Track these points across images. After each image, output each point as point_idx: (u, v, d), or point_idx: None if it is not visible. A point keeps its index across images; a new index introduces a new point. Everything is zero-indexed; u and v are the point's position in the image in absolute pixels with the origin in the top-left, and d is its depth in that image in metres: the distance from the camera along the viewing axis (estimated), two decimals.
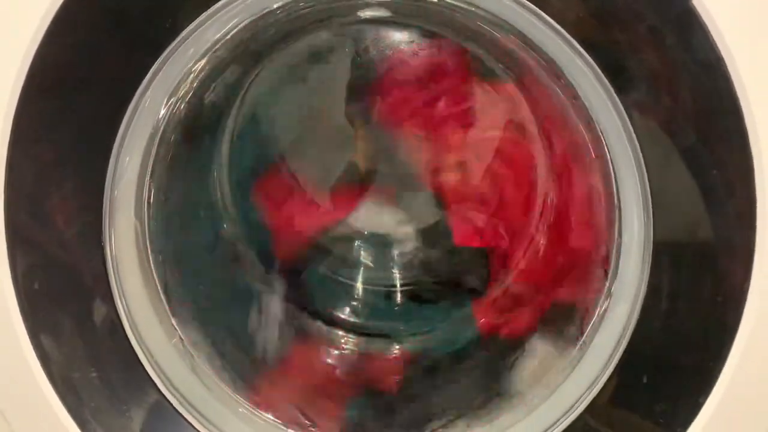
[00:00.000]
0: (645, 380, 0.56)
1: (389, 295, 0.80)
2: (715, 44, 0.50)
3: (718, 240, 0.53)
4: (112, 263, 0.56)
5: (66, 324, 0.56)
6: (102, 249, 0.56)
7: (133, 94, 0.54)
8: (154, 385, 0.59)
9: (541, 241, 0.72)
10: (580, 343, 0.61)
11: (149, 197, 0.60)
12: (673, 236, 0.54)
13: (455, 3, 0.57)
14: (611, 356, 0.57)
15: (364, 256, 0.81)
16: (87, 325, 0.57)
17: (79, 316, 0.57)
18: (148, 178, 0.59)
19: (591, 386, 0.58)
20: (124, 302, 0.57)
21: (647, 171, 0.53)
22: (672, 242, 0.54)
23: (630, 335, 0.56)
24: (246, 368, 0.68)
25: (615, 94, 0.53)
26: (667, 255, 0.54)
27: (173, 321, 0.62)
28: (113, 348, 0.57)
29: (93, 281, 0.56)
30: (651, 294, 0.55)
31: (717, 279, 0.53)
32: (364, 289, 0.80)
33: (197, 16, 0.54)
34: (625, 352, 0.56)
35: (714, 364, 0.53)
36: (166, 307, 0.62)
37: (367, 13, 0.66)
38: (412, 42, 0.71)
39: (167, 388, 0.59)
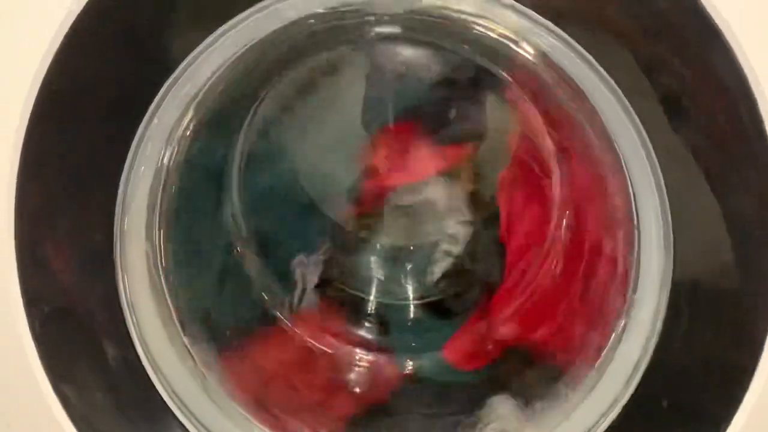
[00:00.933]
0: (663, 405, 0.55)
1: (402, 310, 0.79)
2: (741, 66, 0.49)
3: (737, 261, 0.52)
4: (126, 293, 0.56)
5: (83, 367, 0.56)
6: (114, 282, 0.55)
7: (143, 116, 0.54)
8: (168, 407, 0.58)
9: (557, 262, 0.71)
10: (598, 364, 0.60)
11: (159, 221, 0.59)
12: (693, 253, 0.53)
13: (473, 20, 0.56)
14: (629, 380, 0.56)
15: (377, 271, 0.80)
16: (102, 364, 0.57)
17: (94, 357, 0.57)
18: (158, 200, 0.59)
19: (608, 410, 0.57)
20: (138, 333, 0.57)
21: (668, 192, 0.52)
22: (692, 260, 0.53)
23: (649, 359, 0.55)
24: (257, 387, 0.67)
25: (636, 116, 0.52)
26: (687, 275, 0.53)
27: (185, 341, 0.62)
28: (130, 382, 0.57)
29: (105, 320, 0.56)
30: (670, 319, 0.54)
31: (737, 320, 0.52)
32: (377, 303, 0.79)
33: (208, 35, 0.53)
34: (643, 376, 0.55)
35: (733, 393, 0.52)
36: (179, 330, 0.61)
37: (378, 30, 0.65)
38: (424, 57, 0.70)
39: (180, 409, 0.59)
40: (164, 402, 0.58)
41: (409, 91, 0.72)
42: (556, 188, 0.71)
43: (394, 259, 0.80)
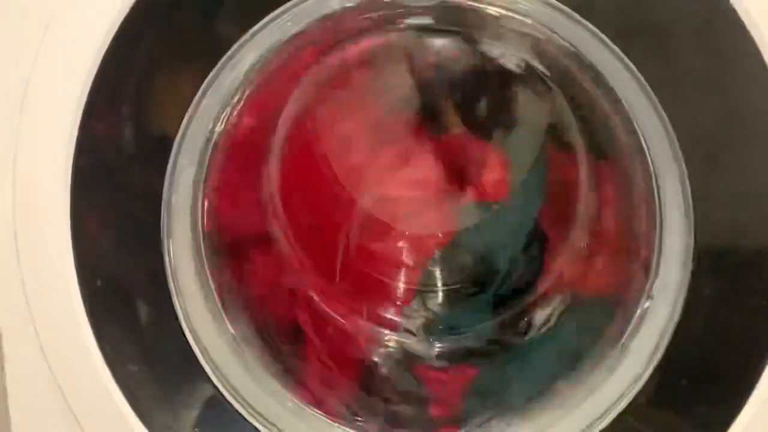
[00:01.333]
0: (685, 382, 0.57)
1: (431, 295, 0.82)
2: (758, 47, 0.50)
3: (760, 242, 0.54)
4: (171, 268, 0.59)
5: (127, 322, 0.59)
6: (161, 256, 0.58)
7: (189, 104, 0.57)
8: (209, 380, 0.61)
9: (584, 242, 0.73)
10: (621, 343, 0.62)
11: (203, 205, 0.62)
12: (715, 241, 0.54)
13: (503, 12, 0.58)
14: (651, 357, 0.58)
15: (406, 257, 0.82)
16: (145, 323, 0.60)
17: (137, 315, 0.60)
18: (202, 185, 0.62)
19: (631, 386, 0.59)
20: (182, 301, 0.60)
21: (689, 176, 0.54)
22: (713, 243, 0.54)
23: (670, 337, 0.57)
24: (295, 365, 0.70)
25: (655, 98, 0.54)
26: (708, 256, 0.54)
27: (226, 318, 0.65)
28: (171, 344, 0.60)
29: (153, 285, 0.59)
30: (692, 297, 0.55)
31: (760, 280, 0.54)
32: (406, 289, 0.81)
33: (251, 27, 0.56)
34: (665, 354, 0.57)
35: (754, 369, 0.54)
36: (219, 306, 0.64)
37: (411, 21, 0.67)
38: (455, 49, 0.72)
39: (221, 383, 0.62)
40: (205, 372, 0.61)
41: (442, 82, 0.74)
42: (583, 172, 0.72)
43: (422, 245, 0.82)
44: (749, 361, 0.54)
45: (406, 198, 0.81)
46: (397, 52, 0.72)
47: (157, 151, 0.57)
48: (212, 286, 0.64)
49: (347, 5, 0.57)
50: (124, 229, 0.59)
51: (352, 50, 0.71)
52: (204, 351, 0.61)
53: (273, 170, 0.75)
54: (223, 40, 0.55)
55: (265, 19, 0.55)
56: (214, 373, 0.62)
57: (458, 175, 0.79)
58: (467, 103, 0.76)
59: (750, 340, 0.54)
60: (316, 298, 0.76)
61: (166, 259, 0.59)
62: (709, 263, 0.55)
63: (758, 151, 0.53)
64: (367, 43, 0.71)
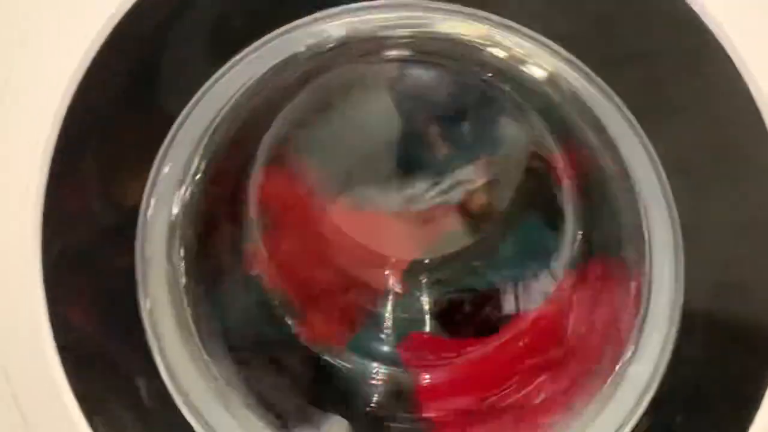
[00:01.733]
0: (679, 420, 0.56)
1: (418, 323, 0.80)
2: (740, 74, 0.49)
3: (753, 274, 0.52)
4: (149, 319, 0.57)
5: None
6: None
7: (162, 140, 0.55)
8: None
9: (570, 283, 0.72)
10: (613, 376, 0.60)
11: (181, 243, 0.60)
12: (704, 270, 0.53)
13: (482, 43, 0.57)
14: (643, 394, 0.57)
15: (393, 284, 0.81)
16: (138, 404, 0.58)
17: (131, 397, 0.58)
18: (180, 221, 0.60)
19: (622, 426, 0.58)
20: (163, 358, 0.58)
21: (677, 209, 0.53)
22: (704, 276, 0.53)
23: (663, 374, 0.55)
24: (282, 404, 0.69)
25: (641, 130, 0.52)
26: (699, 290, 0.53)
27: (207, 359, 0.63)
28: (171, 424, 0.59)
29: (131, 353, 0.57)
30: (683, 332, 0.54)
31: (753, 315, 0.53)
32: (394, 318, 0.80)
33: (225, 63, 0.54)
34: (659, 390, 0.56)
35: (750, 406, 0.52)
36: (201, 349, 0.63)
37: (392, 53, 0.66)
38: (437, 78, 0.71)
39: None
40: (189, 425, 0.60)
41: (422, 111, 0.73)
42: (568, 203, 0.71)
43: (410, 272, 0.81)
44: (744, 397, 0.53)
45: (393, 225, 0.80)
46: (378, 82, 0.71)
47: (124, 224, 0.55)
48: (191, 326, 0.62)
49: (325, 46, 0.55)
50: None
51: (332, 81, 0.69)
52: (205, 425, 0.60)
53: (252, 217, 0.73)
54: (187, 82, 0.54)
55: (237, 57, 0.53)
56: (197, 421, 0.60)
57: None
58: (451, 128, 0.75)
59: (743, 375, 0.53)
60: (300, 335, 0.74)
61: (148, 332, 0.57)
62: (701, 294, 0.54)
63: (747, 185, 0.51)
64: (348, 74, 0.70)
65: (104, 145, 0.54)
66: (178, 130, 0.54)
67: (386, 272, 0.80)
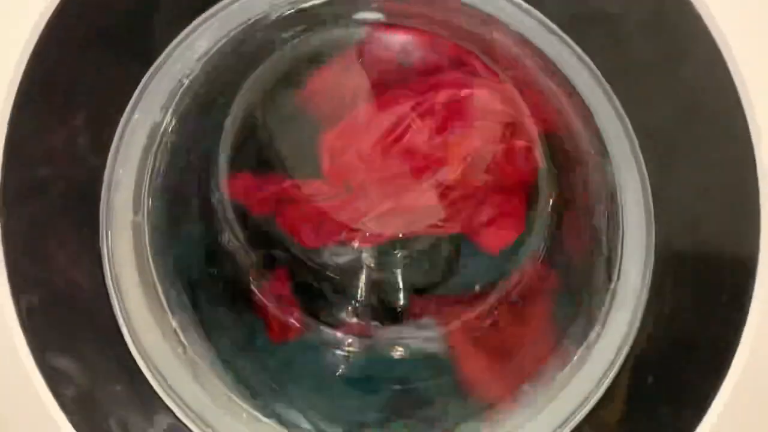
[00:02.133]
0: (650, 381, 0.56)
1: (393, 297, 0.80)
2: (714, 37, 0.49)
3: (720, 238, 0.52)
4: (112, 277, 0.56)
5: (77, 352, 0.57)
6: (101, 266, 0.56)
7: (124, 108, 0.54)
8: (164, 404, 0.59)
9: (543, 244, 0.72)
10: (585, 342, 0.60)
11: (146, 208, 0.60)
12: (674, 234, 0.53)
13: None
14: (615, 358, 0.57)
15: (367, 259, 0.81)
16: (89, 345, 0.57)
17: (89, 344, 0.57)
18: (145, 187, 0.59)
19: (596, 388, 0.58)
20: (126, 315, 0.57)
21: (647, 170, 0.52)
22: (674, 239, 0.53)
23: (634, 337, 0.55)
24: (251, 375, 0.68)
25: (612, 92, 0.52)
26: (669, 253, 0.53)
27: (175, 328, 0.62)
28: (117, 364, 0.58)
29: (94, 298, 0.56)
30: (652, 299, 0.54)
31: (721, 278, 0.53)
32: (368, 292, 0.79)
33: (187, 25, 0.54)
34: (630, 354, 0.56)
35: (718, 370, 0.52)
36: (170, 318, 0.62)
37: (360, 16, 0.65)
38: (407, 43, 0.70)
39: (175, 403, 0.60)
40: (153, 389, 0.59)
41: (394, 77, 0.72)
42: (543, 170, 0.71)
43: (383, 247, 0.80)
44: (712, 362, 0.53)
45: (369, 197, 0.79)
46: (348, 47, 0.70)
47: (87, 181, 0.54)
48: (161, 297, 0.61)
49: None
50: (68, 260, 0.56)
51: (302, 46, 0.68)
52: (155, 370, 0.59)
53: (222, 172, 0.72)
54: (158, 40, 0.53)
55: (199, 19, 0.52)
56: (162, 389, 0.59)
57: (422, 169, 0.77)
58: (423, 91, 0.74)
59: (712, 342, 0.53)
60: (269, 303, 0.74)
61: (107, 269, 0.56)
62: (671, 257, 0.53)
63: (716, 144, 0.51)
64: (318, 37, 0.69)
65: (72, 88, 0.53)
66: (149, 81, 0.54)
67: (358, 245, 0.80)
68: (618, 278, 0.58)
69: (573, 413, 0.58)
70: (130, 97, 0.54)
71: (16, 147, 0.53)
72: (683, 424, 0.54)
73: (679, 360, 0.55)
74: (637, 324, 0.55)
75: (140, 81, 0.54)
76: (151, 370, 0.59)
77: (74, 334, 0.57)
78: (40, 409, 0.56)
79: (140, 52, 0.54)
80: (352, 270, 0.80)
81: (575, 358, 0.61)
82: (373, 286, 0.80)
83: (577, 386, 0.60)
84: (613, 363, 0.57)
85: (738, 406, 0.52)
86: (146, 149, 0.58)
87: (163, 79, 0.56)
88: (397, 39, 0.69)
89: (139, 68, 0.54)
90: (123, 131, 0.55)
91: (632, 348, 0.55)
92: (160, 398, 0.59)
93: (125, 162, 0.56)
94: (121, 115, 0.55)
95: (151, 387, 0.59)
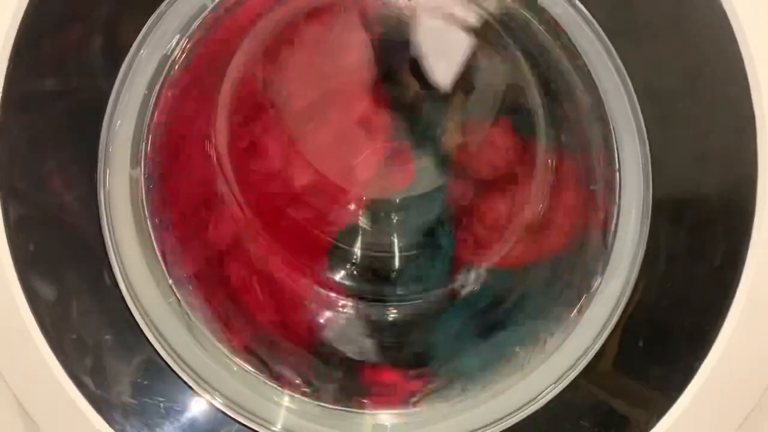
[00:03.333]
0: (642, 344, 0.56)
1: (387, 260, 0.80)
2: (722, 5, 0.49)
3: (717, 202, 0.53)
4: (108, 222, 0.56)
5: (62, 280, 0.56)
6: (98, 209, 0.55)
7: (125, 55, 0.54)
8: (150, 344, 0.59)
9: (541, 204, 0.72)
10: (578, 306, 0.61)
11: (145, 156, 0.59)
12: (671, 196, 0.53)
13: None
14: (608, 320, 0.57)
15: (363, 221, 0.81)
16: (82, 282, 0.57)
17: (74, 272, 0.57)
18: (144, 133, 0.59)
19: (588, 350, 0.58)
20: (119, 261, 0.57)
21: (647, 131, 0.52)
22: (671, 202, 0.53)
23: (627, 299, 0.56)
24: (243, 329, 0.68)
25: (615, 54, 0.52)
26: (665, 215, 0.53)
27: (170, 281, 0.62)
28: (109, 306, 0.57)
29: (89, 240, 0.56)
30: (649, 256, 0.54)
31: (715, 241, 0.53)
32: (363, 254, 0.80)
33: None
34: (623, 316, 0.56)
35: (710, 328, 0.53)
36: (163, 268, 0.62)
37: None
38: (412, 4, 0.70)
39: (163, 347, 0.59)
40: (146, 336, 0.59)
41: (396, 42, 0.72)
42: (542, 136, 0.71)
43: (381, 211, 0.80)
44: (705, 321, 0.53)
45: (362, 161, 0.79)
46: (351, 8, 0.70)
47: (91, 106, 0.54)
48: (155, 246, 0.61)
49: None
50: (60, 190, 0.55)
51: (302, 4, 0.68)
52: (145, 316, 0.59)
53: (220, 129, 0.72)
54: None
55: None
56: (156, 338, 0.59)
57: (416, 135, 0.77)
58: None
59: (706, 300, 0.53)
60: (264, 259, 0.74)
61: (104, 215, 0.56)
62: (666, 221, 0.54)
63: (717, 106, 0.51)
64: None
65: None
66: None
67: (353, 208, 0.80)
68: (613, 242, 0.58)
69: (561, 377, 0.59)
70: (132, 45, 0.54)
71: (14, 98, 0.52)
72: (673, 384, 0.54)
73: (673, 320, 0.55)
74: (630, 286, 0.55)
75: (142, 28, 0.53)
76: (143, 317, 0.59)
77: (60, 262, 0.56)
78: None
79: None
80: (348, 233, 0.80)
81: (568, 321, 0.61)
82: (368, 248, 0.80)
83: (568, 349, 0.60)
84: (605, 325, 0.57)
85: (729, 367, 0.53)
86: (145, 99, 0.58)
87: (165, 28, 0.55)
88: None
89: (142, 14, 0.53)
90: (123, 80, 0.54)
91: (626, 309, 0.56)
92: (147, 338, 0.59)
93: (130, 92, 0.55)
94: (122, 63, 0.54)
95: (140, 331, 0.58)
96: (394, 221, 0.81)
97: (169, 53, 0.57)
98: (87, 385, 0.56)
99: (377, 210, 0.81)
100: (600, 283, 0.59)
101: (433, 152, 0.78)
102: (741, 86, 0.50)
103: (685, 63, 0.51)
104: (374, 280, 0.78)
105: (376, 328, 0.75)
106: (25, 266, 0.54)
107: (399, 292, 0.77)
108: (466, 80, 0.75)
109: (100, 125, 0.54)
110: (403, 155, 0.78)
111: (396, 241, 0.80)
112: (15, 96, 0.52)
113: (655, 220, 0.54)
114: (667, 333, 0.55)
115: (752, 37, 0.49)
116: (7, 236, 0.54)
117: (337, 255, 0.78)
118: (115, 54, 0.53)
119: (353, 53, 0.72)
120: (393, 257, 0.80)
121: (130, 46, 0.53)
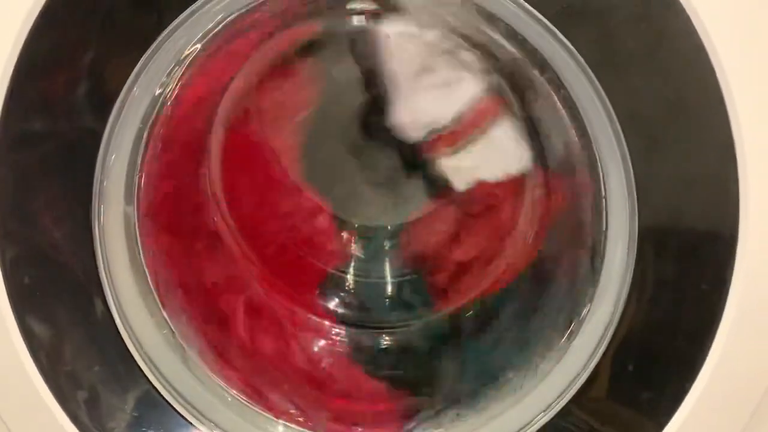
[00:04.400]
0: (631, 369, 0.57)
1: (380, 287, 0.81)
2: (697, 30, 0.51)
3: (701, 228, 0.54)
4: (102, 257, 0.57)
5: (57, 316, 0.57)
6: (92, 244, 0.56)
7: (120, 89, 0.55)
8: (145, 376, 0.59)
9: (529, 230, 0.73)
10: (569, 331, 0.61)
11: (139, 190, 0.60)
12: (657, 224, 0.54)
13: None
14: (598, 345, 0.58)
15: (355, 248, 0.81)
16: (77, 317, 0.57)
17: (69, 308, 0.57)
18: (137, 171, 0.60)
19: (578, 376, 0.59)
20: (114, 295, 0.58)
21: (631, 159, 0.54)
22: (656, 229, 0.54)
23: (616, 324, 0.56)
24: (237, 359, 0.68)
25: (598, 83, 0.53)
26: (651, 243, 0.54)
27: (164, 313, 0.63)
28: (104, 341, 0.58)
29: (83, 276, 0.56)
30: (637, 282, 0.55)
31: (701, 266, 0.54)
32: (356, 281, 0.80)
33: (183, 11, 0.54)
34: (612, 341, 0.57)
35: (698, 352, 0.54)
36: (157, 300, 0.62)
37: (356, 6, 0.66)
38: (401, 34, 0.71)
39: (158, 380, 0.60)
40: (140, 369, 0.59)
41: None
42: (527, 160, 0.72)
43: (373, 237, 0.81)
44: (693, 345, 0.54)
45: (356, 190, 0.79)
46: (341, 38, 0.71)
47: (85, 144, 0.55)
48: (149, 279, 0.62)
49: None
50: (55, 222, 0.56)
51: (294, 37, 0.69)
52: (139, 348, 0.59)
53: (214, 165, 0.73)
54: (154, 24, 0.53)
55: (195, 5, 0.53)
56: (150, 370, 0.60)
57: (409, 163, 0.78)
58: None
59: (693, 325, 0.54)
60: (258, 290, 0.74)
61: (98, 249, 0.56)
62: (653, 247, 0.55)
63: (698, 134, 0.52)
64: (310, 29, 0.69)
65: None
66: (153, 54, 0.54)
67: (347, 236, 0.80)
68: (602, 269, 0.59)
69: (553, 403, 0.59)
70: (127, 80, 0.55)
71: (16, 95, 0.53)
72: (663, 409, 0.55)
73: (662, 344, 0.56)
74: (618, 312, 0.56)
75: (136, 64, 0.55)
76: (138, 351, 0.59)
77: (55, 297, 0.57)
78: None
79: (137, 35, 0.54)
80: (341, 261, 0.81)
81: (559, 346, 0.62)
82: (360, 275, 0.81)
83: (559, 375, 0.61)
84: (595, 350, 0.58)
85: (717, 390, 0.54)
86: (139, 133, 0.59)
87: (158, 64, 0.56)
88: (389, 29, 0.70)
89: (136, 51, 0.54)
90: (117, 116, 0.55)
91: (615, 334, 0.57)
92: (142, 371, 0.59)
93: (118, 148, 0.57)
94: (116, 99, 0.55)
95: (135, 363, 0.59)
96: (387, 248, 0.81)
97: (160, 92, 0.58)
98: (82, 419, 0.57)
99: (369, 237, 0.81)
100: (589, 309, 0.60)
101: (424, 177, 0.79)
102: (720, 113, 0.51)
103: (666, 92, 0.53)
104: (367, 308, 0.79)
105: (369, 355, 0.75)
106: (20, 302, 0.55)
107: (392, 318, 0.78)
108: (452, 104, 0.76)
109: (94, 162, 0.55)
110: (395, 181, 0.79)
111: (388, 267, 0.81)
112: (7, 137, 0.53)
113: (641, 245, 0.55)
114: (656, 358, 0.56)
115: (729, 65, 0.50)
116: (2, 270, 0.54)
117: (331, 283, 0.79)
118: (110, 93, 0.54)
119: (345, 84, 0.73)
120: (386, 284, 0.80)
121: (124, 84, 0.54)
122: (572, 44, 0.53)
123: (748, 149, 0.51)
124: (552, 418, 0.59)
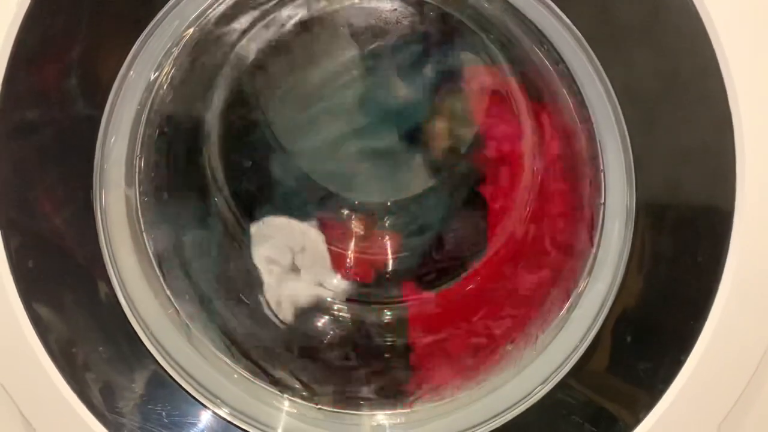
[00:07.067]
0: (629, 340, 0.58)
1: (380, 263, 0.81)
2: (694, 4, 0.50)
3: (698, 201, 0.54)
4: (105, 240, 0.57)
5: (63, 299, 0.57)
6: (94, 228, 0.56)
7: (116, 74, 0.55)
8: (151, 356, 0.60)
9: (528, 208, 0.73)
10: (567, 305, 0.62)
11: (139, 173, 0.60)
12: (654, 197, 0.55)
13: None
14: (597, 317, 0.59)
15: (356, 225, 0.82)
16: (83, 301, 0.58)
17: (75, 292, 0.58)
18: (137, 153, 0.60)
19: (577, 347, 0.59)
20: (118, 277, 0.58)
21: (629, 133, 0.54)
22: (654, 203, 0.55)
23: (614, 296, 0.57)
24: (242, 337, 0.69)
25: (596, 58, 0.53)
26: (649, 216, 0.55)
27: (168, 293, 0.63)
28: (110, 323, 0.59)
29: (87, 260, 0.57)
30: (635, 255, 0.56)
31: (698, 239, 0.54)
32: (356, 258, 0.81)
33: None
34: (610, 313, 0.57)
35: (695, 324, 0.54)
36: (162, 281, 0.63)
37: None
38: (395, 10, 0.71)
39: (164, 359, 0.61)
40: (147, 349, 0.60)
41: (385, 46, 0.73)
42: (529, 140, 0.72)
43: (370, 214, 0.82)
44: (689, 317, 0.55)
45: (356, 167, 0.80)
46: (337, 18, 0.71)
47: (83, 129, 0.55)
48: (152, 259, 0.62)
49: None
50: (56, 208, 0.57)
51: (291, 15, 0.69)
52: (145, 328, 0.60)
53: (213, 141, 0.73)
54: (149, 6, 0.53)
55: None
56: (156, 350, 0.60)
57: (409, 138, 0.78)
58: (412, 66, 0.75)
59: (690, 296, 0.55)
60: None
61: (101, 234, 0.57)
62: (650, 220, 0.55)
63: (695, 108, 0.53)
64: (306, 9, 0.69)
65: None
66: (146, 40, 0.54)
67: (346, 212, 0.81)
68: (600, 241, 0.59)
69: (551, 375, 0.60)
70: (123, 62, 0.55)
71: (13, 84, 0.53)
72: (659, 379, 0.56)
73: (659, 316, 0.56)
74: (617, 284, 0.57)
75: (136, 40, 0.54)
76: (144, 331, 0.60)
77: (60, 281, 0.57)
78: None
79: (133, 17, 0.54)
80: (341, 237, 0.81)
81: (558, 318, 0.62)
82: (361, 252, 0.81)
83: (558, 346, 0.61)
84: (593, 323, 0.59)
85: (713, 360, 0.54)
86: (138, 115, 0.59)
87: (155, 46, 0.56)
88: (384, 5, 0.70)
89: (132, 33, 0.54)
90: (115, 98, 0.55)
91: (613, 307, 0.57)
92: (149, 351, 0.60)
93: (117, 130, 0.57)
94: (114, 81, 0.55)
95: (141, 344, 0.60)
96: (387, 224, 0.82)
97: (156, 74, 0.58)
98: (92, 400, 0.58)
99: (370, 213, 0.82)
100: (588, 282, 0.60)
101: (424, 155, 0.79)
102: (717, 87, 0.51)
103: (663, 66, 0.53)
104: (368, 283, 0.79)
105: (371, 330, 0.76)
106: (26, 287, 0.55)
107: (393, 294, 0.78)
108: (452, 80, 0.76)
109: (93, 147, 0.55)
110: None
111: (389, 243, 0.81)
112: (6, 127, 0.53)
113: (639, 219, 0.55)
114: (654, 329, 0.57)
115: (725, 39, 0.50)
116: (7, 259, 0.55)
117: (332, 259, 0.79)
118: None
119: (342, 64, 0.73)
120: (386, 260, 0.81)
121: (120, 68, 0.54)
122: (570, 18, 0.53)
123: (746, 123, 0.51)
124: (551, 390, 0.60)
